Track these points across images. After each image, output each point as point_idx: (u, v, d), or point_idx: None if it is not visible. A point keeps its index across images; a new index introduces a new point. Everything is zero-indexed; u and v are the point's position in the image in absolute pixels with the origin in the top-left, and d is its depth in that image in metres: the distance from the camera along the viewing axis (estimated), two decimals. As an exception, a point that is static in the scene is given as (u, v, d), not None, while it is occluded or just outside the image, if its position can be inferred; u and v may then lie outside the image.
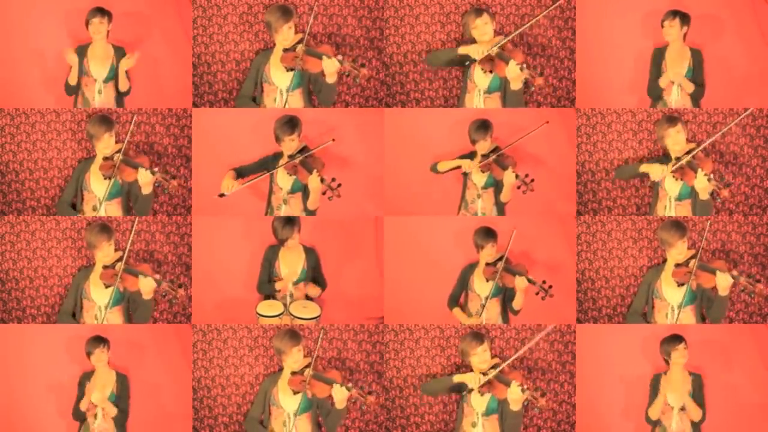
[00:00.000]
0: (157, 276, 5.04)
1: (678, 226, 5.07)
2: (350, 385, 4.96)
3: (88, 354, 5.07)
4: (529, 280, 5.08)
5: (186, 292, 5.18)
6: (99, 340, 5.08)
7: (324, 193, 5.10)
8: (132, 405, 5.14)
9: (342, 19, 5.28)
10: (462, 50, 5.20)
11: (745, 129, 5.23)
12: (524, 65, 5.11)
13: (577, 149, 5.25)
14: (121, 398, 5.10)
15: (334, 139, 5.15)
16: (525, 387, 4.92)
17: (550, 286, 5.05)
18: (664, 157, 5.19)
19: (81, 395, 5.09)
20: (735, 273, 5.00)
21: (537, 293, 5.06)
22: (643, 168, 5.16)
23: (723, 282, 4.99)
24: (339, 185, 5.08)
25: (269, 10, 5.17)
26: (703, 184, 5.06)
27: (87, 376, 5.10)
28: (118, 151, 5.11)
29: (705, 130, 5.21)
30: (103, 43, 5.22)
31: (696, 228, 5.18)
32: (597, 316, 5.24)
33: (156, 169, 5.09)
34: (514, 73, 5.13)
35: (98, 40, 5.21)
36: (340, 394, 4.94)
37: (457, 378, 5.06)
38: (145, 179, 5.10)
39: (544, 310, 5.13)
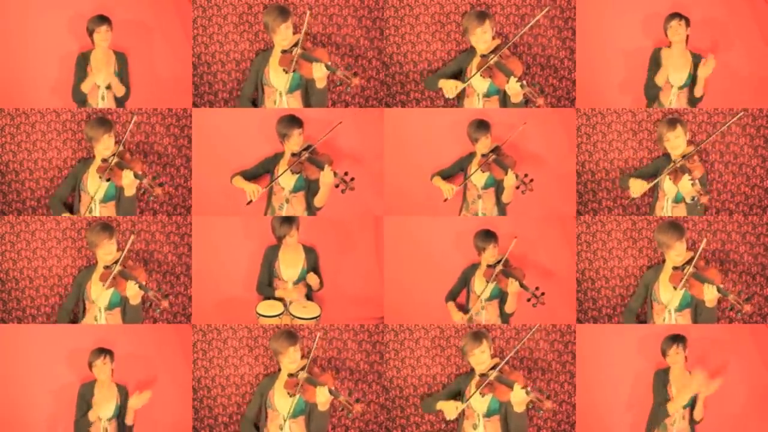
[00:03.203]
0: (144, 283, 5.04)
1: (675, 227, 5.06)
2: (338, 391, 4.96)
3: (90, 365, 5.06)
4: (522, 286, 5.08)
5: (170, 305, 5.17)
6: (101, 352, 5.07)
7: (337, 186, 5.10)
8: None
9: (342, 19, 5.28)
10: (441, 84, 5.21)
11: (745, 129, 5.23)
12: (524, 83, 5.11)
13: (577, 149, 5.25)
14: (122, 408, 5.10)
15: (341, 122, 5.15)
16: (529, 389, 4.92)
17: (543, 294, 5.06)
18: (663, 158, 5.20)
19: (83, 406, 5.08)
20: (725, 288, 4.99)
21: (528, 300, 5.07)
22: (630, 182, 5.17)
23: (709, 295, 4.98)
24: (352, 179, 5.08)
25: (266, 10, 5.16)
26: (686, 188, 5.06)
27: (87, 388, 5.09)
28: (115, 154, 5.12)
29: (705, 130, 5.21)
30: (106, 49, 5.22)
31: (696, 228, 5.18)
32: (597, 316, 5.24)
33: (141, 174, 5.09)
34: (515, 90, 5.13)
35: (102, 48, 5.21)
36: (321, 397, 4.94)
37: (439, 405, 5.07)
38: (127, 180, 5.10)
39: (544, 309, 5.13)
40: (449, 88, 5.19)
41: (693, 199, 5.08)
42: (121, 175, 5.11)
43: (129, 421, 5.08)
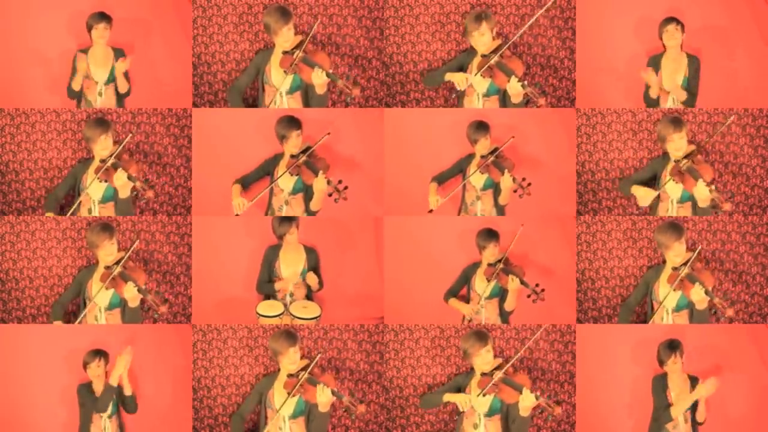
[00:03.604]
0: (143, 286, 5.04)
1: (674, 227, 5.05)
2: (341, 392, 4.96)
3: (85, 366, 5.06)
4: (522, 282, 5.08)
5: (170, 305, 5.18)
6: (96, 354, 5.07)
7: (330, 195, 5.10)
8: (132, 405, 5.16)
9: (342, 19, 5.28)
10: (448, 77, 5.21)
11: (745, 129, 5.22)
12: (526, 83, 5.10)
13: (577, 149, 5.25)
14: (119, 405, 5.10)
15: (329, 133, 5.15)
16: (539, 394, 4.91)
17: (543, 290, 5.07)
18: (661, 159, 5.19)
19: (83, 405, 5.08)
20: (711, 291, 4.99)
21: (528, 296, 5.07)
22: (633, 189, 5.16)
23: (696, 296, 4.99)
24: (345, 188, 5.08)
25: (268, 11, 5.15)
26: (703, 194, 5.04)
27: (86, 388, 5.10)
28: (112, 154, 5.12)
29: (705, 130, 5.20)
30: (104, 46, 5.22)
31: (696, 228, 5.18)
32: (597, 316, 5.24)
33: (134, 176, 5.09)
34: (516, 90, 5.13)
35: (100, 45, 5.21)
36: (323, 397, 4.93)
37: (447, 397, 5.06)
38: (120, 181, 5.10)
39: (544, 310, 5.14)
40: (459, 80, 5.17)
41: (713, 206, 5.06)
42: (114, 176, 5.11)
43: (128, 391, 5.06)
